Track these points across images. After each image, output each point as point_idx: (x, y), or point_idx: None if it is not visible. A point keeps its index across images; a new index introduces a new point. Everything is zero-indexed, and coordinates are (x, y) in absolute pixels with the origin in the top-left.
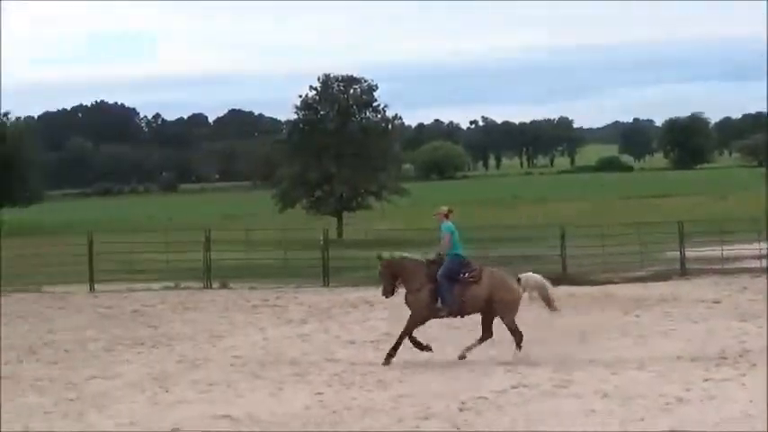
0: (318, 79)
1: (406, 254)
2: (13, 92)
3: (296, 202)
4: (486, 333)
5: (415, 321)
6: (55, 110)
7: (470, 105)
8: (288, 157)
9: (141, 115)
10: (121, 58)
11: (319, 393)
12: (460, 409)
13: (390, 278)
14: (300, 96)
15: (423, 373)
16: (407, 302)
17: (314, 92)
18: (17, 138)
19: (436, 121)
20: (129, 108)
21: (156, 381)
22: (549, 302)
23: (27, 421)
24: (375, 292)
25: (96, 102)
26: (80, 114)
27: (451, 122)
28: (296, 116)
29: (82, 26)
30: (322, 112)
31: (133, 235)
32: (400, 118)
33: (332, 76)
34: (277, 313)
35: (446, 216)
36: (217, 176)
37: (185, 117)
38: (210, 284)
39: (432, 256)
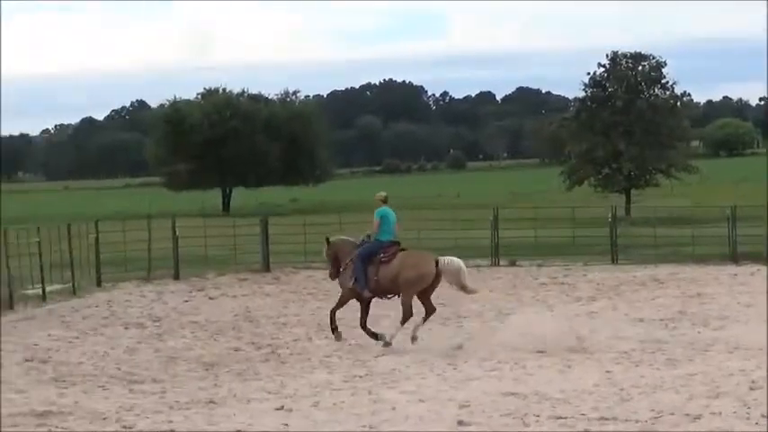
0: (606, 56)
1: (344, 236)
2: (300, 72)
3: (584, 179)
4: (428, 310)
5: (341, 301)
6: (342, 88)
7: (760, 82)
8: (575, 134)
9: (429, 93)
10: (410, 36)
11: (608, 371)
12: (751, 388)
13: (333, 259)
14: (589, 74)
15: (711, 351)
16: (339, 282)
17: (602, 69)
18: (306, 116)
19: (725, 97)
20: (416, 86)
21: (444, 358)
22: (462, 287)
23: (316, 398)
24: (664, 270)
25: (384, 80)
26: (368, 93)
27: (740, 99)
28: (584, 93)
29: (372, 7)
30: (610, 90)
31: (421, 212)
32: (689, 95)
33: (620, 53)
34: (565, 291)
35: (384, 201)
36: (504, 154)
37: (473, 95)
38: (498, 262)
39: (362, 238)
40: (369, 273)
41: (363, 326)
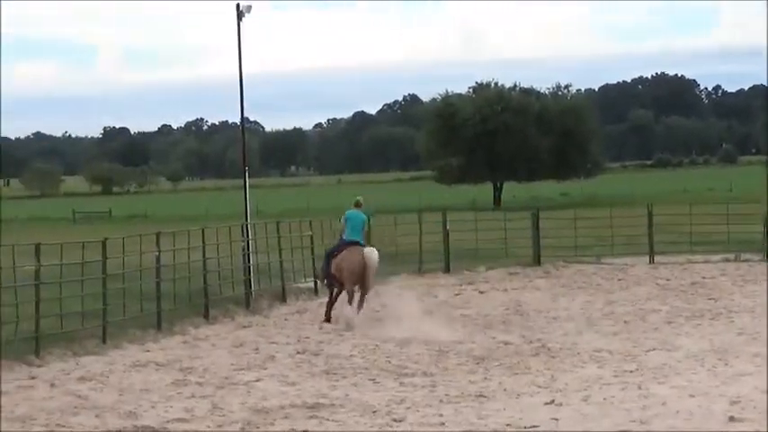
0: None
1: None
2: (574, 65)
3: None
4: (362, 292)
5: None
6: (614, 82)
7: None
8: None
9: (701, 87)
10: (682, 30)
11: None
12: None
13: None
14: None
15: None
16: None
17: None
18: (578, 110)
19: None
20: (688, 79)
21: (715, 353)
22: (363, 281)
23: (586, 393)
24: None
25: (656, 74)
26: (640, 86)
27: None
28: None
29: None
30: None
31: (693, 207)
32: None
33: None
34: None
35: (357, 206)
36: None
37: (745, 88)
38: None
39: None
40: (327, 267)
41: (328, 309)
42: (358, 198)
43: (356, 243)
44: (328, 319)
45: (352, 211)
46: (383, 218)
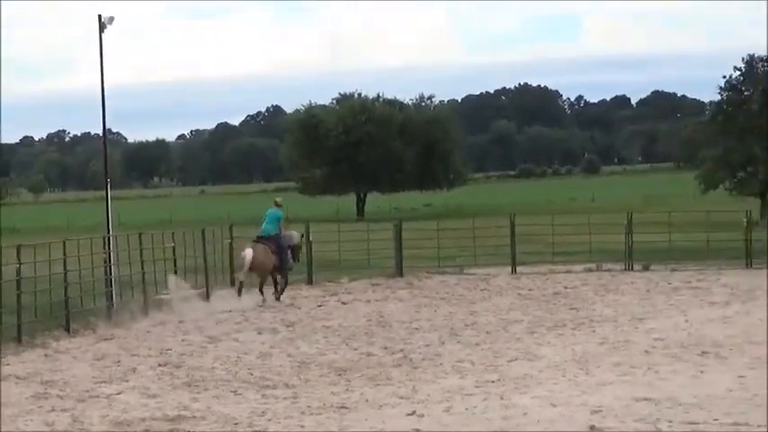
0: (742, 59)
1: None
2: (437, 76)
3: (719, 183)
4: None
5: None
6: (477, 93)
7: None
8: (711, 138)
9: (564, 97)
10: (544, 40)
11: (741, 376)
12: None
13: None
14: (724, 77)
15: None
16: None
17: (738, 72)
18: (441, 121)
19: None
20: (551, 90)
21: (577, 363)
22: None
23: (448, 404)
24: None
25: (519, 84)
26: (503, 97)
27: None
28: (719, 97)
29: (507, 11)
30: (746, 93)
31: (554, 217)
32: None
33: (756, 56)
34: (699, 295)
35: (277, 205)
36: (639, 158)
37: (608, 99)
38: (632, 266)
39: None
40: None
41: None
42: (276, 199)
43: (262, 238)
44: (239, 291)
45: (272, 209)
46: (246, 229)
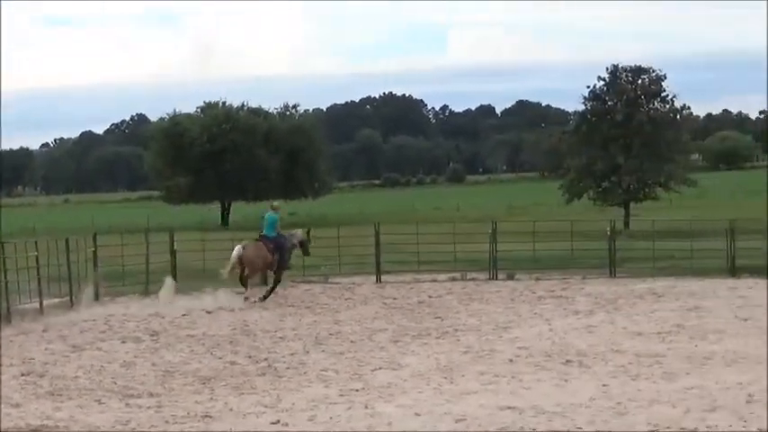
0: (607, 70)
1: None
2: (302, 85)
3: (583, 192)
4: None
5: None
6: (343, 102)
7: (760, 95)
8: (575, 148)
9: (429, 107)
10: (410, 50)
11: (605, 385)
12: (748, 402)
13: None
14: (588, 87)
15: (709, 365)
16: None
17: (602, 82)
18: (305, 130)
19: (725, 110)
20: (416, 99)
21: (441, 372)
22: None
23: (312, 412)
24: (662, 283)
25: (384, 93)
26: (368, 106)
27: (740, 112)
28: (583, 107)
29: (373, 21)
30: (610, 103)
31: (419, 226)
32: (688, 108)
33: (620, 66)
34: (563, 304)
35: (273, 209)
36: (504, 168)
37: (473, 108)
38: (496, 275)
39: None
40: None
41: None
42: (273, 203)
43: (264, 237)
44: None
45: (270, 213)
46: (109, 238)
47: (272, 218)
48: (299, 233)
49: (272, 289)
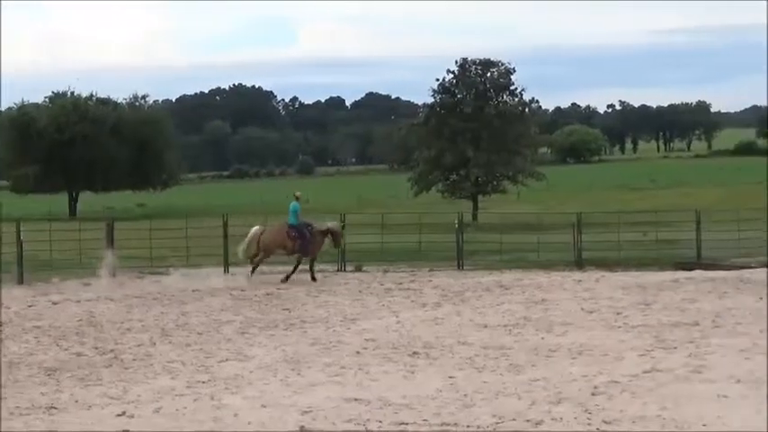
0: (456, 62)
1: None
2: (151, 76)
3: (432, 185)
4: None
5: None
6: (192, 93)
7: (607, 89)
8: (424, 140)
9: (278, 98)
10: (260, 42)
11: (451, 377)
12: (593, 394)
13: None
14: (438, 80)
15: (555, 357)
16: None
17: (451, 75)
18: (154, 121)
19: (573, 104)
20: (266, 91)
21: (288, 363)
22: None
23: (158, 404)
24: (509, 276)
25: (234, 85)
26: (218, 97)
27: (588, 106)
28: (433, 100)
29: (222, 13)
30: (459, 96)
31: (268, 218)
32: (537, 101)
33: (469, 59)
34: (411, 296)
35: (296, 198)
36: (353, 160)
37: (323, 100)
38: (345, 267)
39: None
40: None
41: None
42: (296, 193)
43: (287, 224)
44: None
45: (293, 202)
46: None
47: (294, 207)
48: (334, 224)
49: (290, 275)
